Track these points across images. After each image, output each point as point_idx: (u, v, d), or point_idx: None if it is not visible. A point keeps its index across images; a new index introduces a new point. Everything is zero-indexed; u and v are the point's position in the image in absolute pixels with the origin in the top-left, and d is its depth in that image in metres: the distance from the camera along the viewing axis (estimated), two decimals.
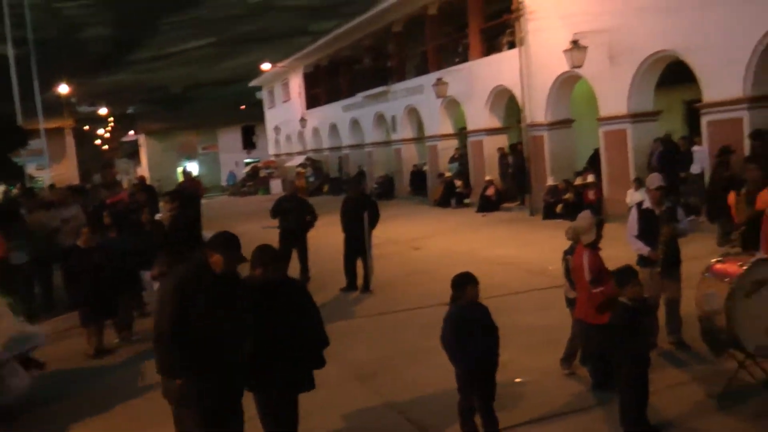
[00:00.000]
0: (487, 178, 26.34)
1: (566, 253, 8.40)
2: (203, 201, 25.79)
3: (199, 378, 5.69)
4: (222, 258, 5.78)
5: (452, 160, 29.77)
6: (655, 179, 9.14)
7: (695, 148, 18.35)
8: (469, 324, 6.47)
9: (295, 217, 14.76)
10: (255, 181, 51.85)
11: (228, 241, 5.93)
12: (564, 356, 8.47)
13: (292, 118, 48.93)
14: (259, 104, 59.23)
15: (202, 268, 5.85)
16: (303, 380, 6.24)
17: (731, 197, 9.41)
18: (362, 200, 14.44)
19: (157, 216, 11.95)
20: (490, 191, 25.81)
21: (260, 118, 59.12)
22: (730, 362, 7.49)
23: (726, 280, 6.97)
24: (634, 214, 9.10)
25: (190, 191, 21.01)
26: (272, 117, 55.92)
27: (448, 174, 29.19)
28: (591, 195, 20.60)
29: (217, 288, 5.81)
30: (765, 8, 15.22)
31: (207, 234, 11.32)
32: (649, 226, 8.85)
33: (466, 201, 28.06)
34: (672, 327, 9.06)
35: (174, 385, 5.71)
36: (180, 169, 58.11)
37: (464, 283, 6.52)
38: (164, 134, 67.27)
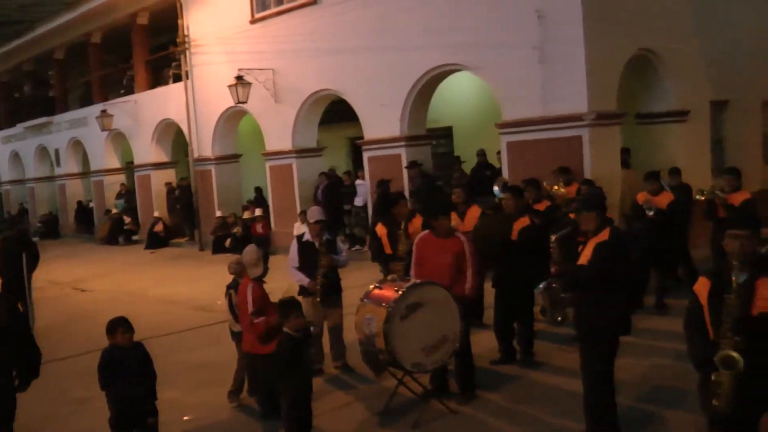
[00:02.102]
0: (156, 213, 25.84)
1: (229, 287, 8.44)
2: None
3: None
4: None
5: (119, 195, 28.82)
6: (314, 213, 9.45)
7: (358, 182, 19.26)
8: (117, 368, 6.37)
9: None
10: None
11: None
12: (231, 389, 8.50)
13: None
14: None
15: None
16: None
17: (379, 228, 9.97)
18: (21, 240, 13.50)
19: None
20: (159, 227, 25.34)
21: None
22: (391, 380, 7.93)
23: (383, 304, 7.35)
24: (294, 247, 9.35)
25: None
26: None
27: (115, 210, 28.24)
28: (259, 228, 20.89)
29: None
30: (418, 56, 16.41)
31: None
32: (309, 257, 9.14)
33: (135, 238, 27.30)
34: (336, 352, 9.43)
35: None
36: None
37: (112, 328, 6.45)
38: None
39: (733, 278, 4.49)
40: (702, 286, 4.79)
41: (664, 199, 11.42)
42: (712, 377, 4.42)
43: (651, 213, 11.29)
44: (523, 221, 9.07)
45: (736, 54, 17.80)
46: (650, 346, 9.37)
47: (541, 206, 10.92)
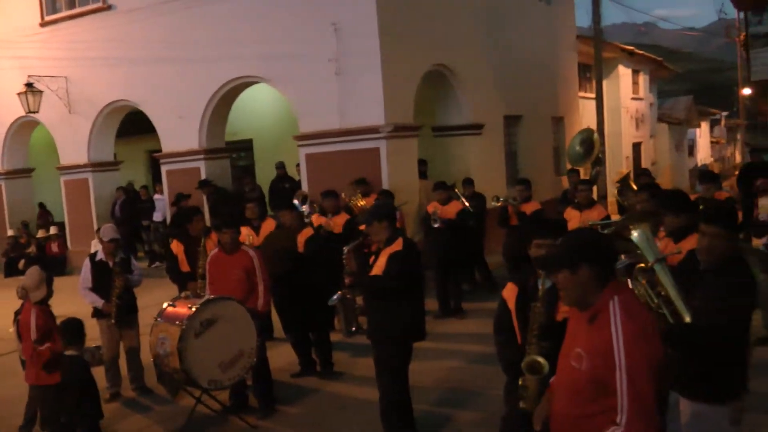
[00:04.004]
0: None
1: (17, 313, 7.96)
2: None
3: None
4: None
5: None
6: (108, 231, 9.12)
7: (157, 196, 18.80)
8: None
9: None
10: None
11: None
12: (22, 424, 7.97)
13: None
14: None
15: None
16: None
17: (175, 245, 9.76)
18: None
19: None
20: None
21: None
22: (190, 399, 7.77)
23: (177, 323, 7.19)
24: (87, 266, 8.99)
25: None
26: None
27: None
28: (55, 247, 19.95)
29: None
30: (215, 68, 16.22)
31: None
32: (102, 278, 8.84)
33: None
34: (134, 375, 9.16)
35: None
36: None
37: None
38: None
39: (540, 285, 4.61)
40: (510, 292, 4.93)
41: (453, 208, 11.92)
42: (520, 381, 4.48)
43: (436, 225, 11.75)
44: (307, 232, 9.23)
45: (526, 73, 18.90)
46: (446, 350, 9.66)
47: (340, 218, 11.06)
